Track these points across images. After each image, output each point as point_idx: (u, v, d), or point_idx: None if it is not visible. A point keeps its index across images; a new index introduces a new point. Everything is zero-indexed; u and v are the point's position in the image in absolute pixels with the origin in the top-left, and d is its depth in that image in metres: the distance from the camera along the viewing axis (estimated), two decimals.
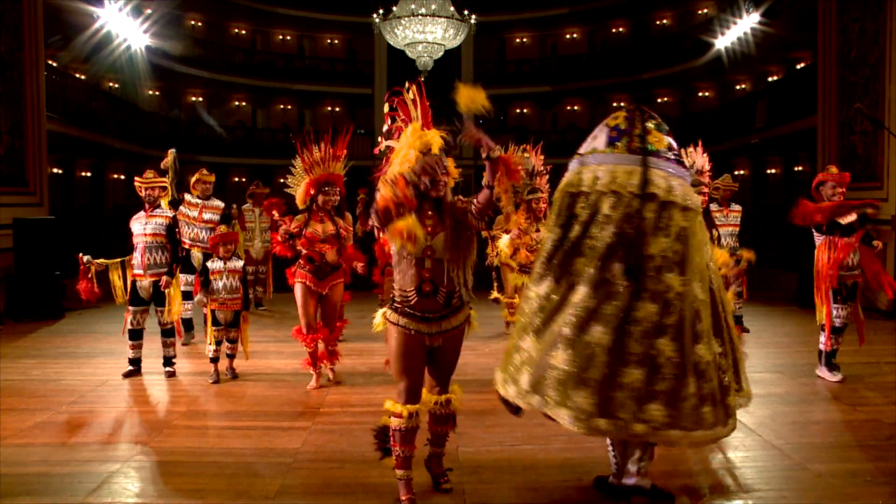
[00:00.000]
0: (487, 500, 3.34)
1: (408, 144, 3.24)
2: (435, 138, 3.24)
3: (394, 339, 3.17)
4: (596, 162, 2.96)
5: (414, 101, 3.36)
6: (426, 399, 3.28)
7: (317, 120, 24.81)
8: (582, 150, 3.09)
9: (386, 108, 3.46)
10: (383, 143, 3.47)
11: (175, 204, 7.09)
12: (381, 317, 3.25)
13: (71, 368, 6.00)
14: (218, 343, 5.58)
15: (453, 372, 3.35)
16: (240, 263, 5.65)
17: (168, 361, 5.75)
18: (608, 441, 3.30)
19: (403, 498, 3.17)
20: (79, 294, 5.72)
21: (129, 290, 5.70)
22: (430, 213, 3.16)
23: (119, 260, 5.83)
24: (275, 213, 5.83)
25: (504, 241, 6.30)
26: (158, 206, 5.76)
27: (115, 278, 5.81)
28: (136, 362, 5.72)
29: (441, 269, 3.13)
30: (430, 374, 3.31)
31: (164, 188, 5.84)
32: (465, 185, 23.68)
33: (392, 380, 3.38)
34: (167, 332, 5.72)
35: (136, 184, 5.74)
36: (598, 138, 3.04)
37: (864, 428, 4.32)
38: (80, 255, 5.69)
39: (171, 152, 6.34)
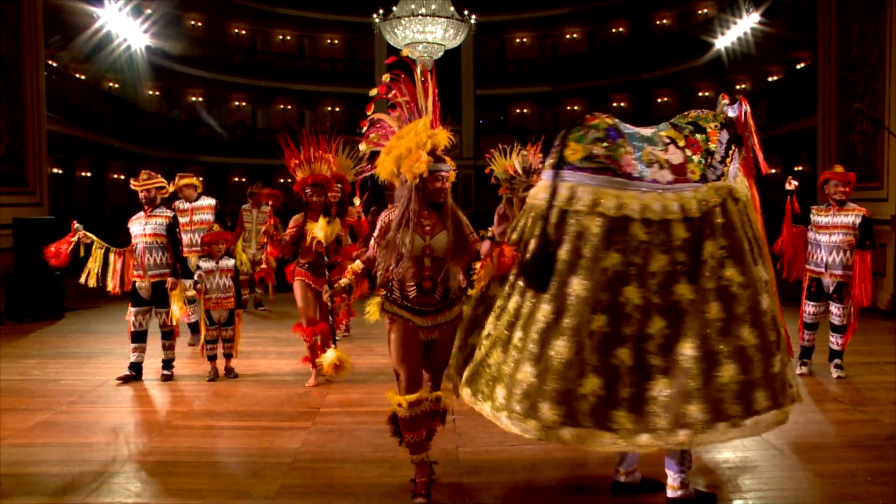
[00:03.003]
0: (487, 500, 3.34)
1: (416, 142, 3.08)
2: (444, 139, 3.17)
3: (392, 329, 3.24)
4: (545, 178, 3.08)
5: (425, 88, 3.20)
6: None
7: (317, 120, 24.80)
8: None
9: (386, 78, 3.24)
10: (372, 110, 3.31)
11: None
12: (375, 306, 3.28)
13: (71, 368, 6.00)
14: (213, 341, 5.62)
15: (447, 367, 3.34)
16: (231, 262, 5.72)
17: (167, 364, 5.72)
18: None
19: (419, 480, 3.24)
20: (47, 254, 5.44)
21: (130, 290, 5.62)
22: (426, 214, 3.16)
23: (107, 246, 5.60)
24: (271, 203, 5.76)
25: None
26: (158, 206, 5.72)
27: (116, 265, 5.58)
28: (137, 367, 5.59)
29: (440, 267, 3.18)
30: (425, 368, 3.33)
31: (162, 188, 5.75)
32: (465, 185, 23.70)
33: (393, 378, 3.39)
34: (167, 335, 5.70)
35: (133, 186, 5.71)
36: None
37: (864, 428, 4.32)
38: (73, 220, 5.53)
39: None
